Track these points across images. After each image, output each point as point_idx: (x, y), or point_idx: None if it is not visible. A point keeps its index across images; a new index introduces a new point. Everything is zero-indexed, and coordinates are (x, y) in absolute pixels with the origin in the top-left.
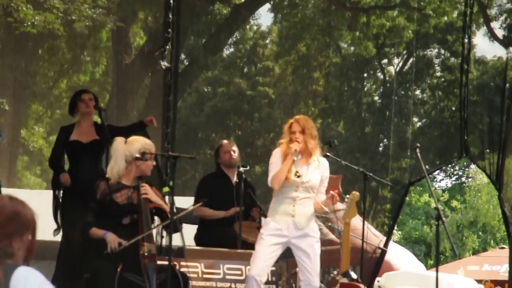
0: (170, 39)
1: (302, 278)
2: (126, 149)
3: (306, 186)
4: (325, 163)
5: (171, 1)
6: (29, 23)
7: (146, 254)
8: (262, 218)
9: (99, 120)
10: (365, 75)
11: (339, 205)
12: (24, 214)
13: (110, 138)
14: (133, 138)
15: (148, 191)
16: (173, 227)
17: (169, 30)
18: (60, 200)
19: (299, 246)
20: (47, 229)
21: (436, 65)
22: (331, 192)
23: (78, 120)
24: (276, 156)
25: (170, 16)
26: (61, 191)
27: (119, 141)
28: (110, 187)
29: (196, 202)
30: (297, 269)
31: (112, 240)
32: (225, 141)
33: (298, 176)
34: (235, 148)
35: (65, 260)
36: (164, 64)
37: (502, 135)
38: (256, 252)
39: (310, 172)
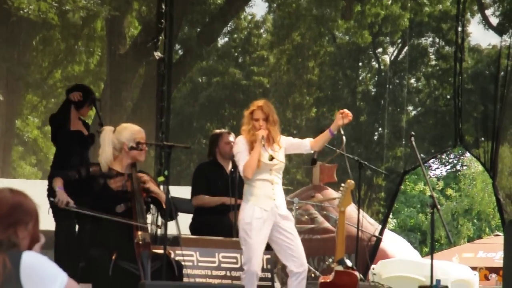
0: (163, 29)
1: (289, 260)
2: (115, 137)
3: (277, 168)
4: (283, 138)
5: None
6: (25, 10)
7: (140, 242)
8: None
9: (92, 112)
10: (360, 64)
11: (334, 194)
12: (26, 203)
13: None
14: (122, 126)
15: (147, 181)
16: (169, 215)
17: (162, 20)
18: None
19: (284, 228)
20: (44, 218)
21: (431, 54)
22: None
23: (72, 111)
24: (240, 144)
25: (163, 6)
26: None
27: (107, 130)
28: (104, 172)
29: (193, 191)
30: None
31: (62, 195)
32: (225, 131)
33: (272, 159)
34: (233, 139)
35: (64, 248)
36: (158, 54)
37: (495, 123)
38: (251, 245)
39: (277, 156)
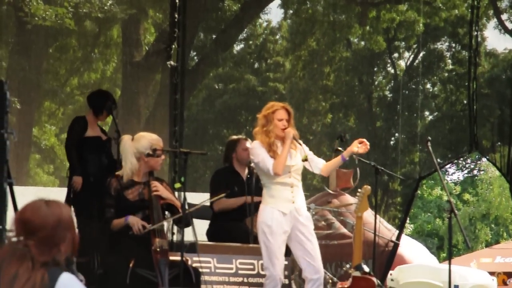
0: (176, 38)
1: (305, 266)
2: (134, 147)
3: (295, 169)
4: (302, 145)
5: (177, 0)
6: (40, 17)
7: (158, 249)
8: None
9: (109, 119)
10: (376, 69)
11: (351, 199)
12: (65, 216)
13: (120, 135)
14: (140, 134)
15: (159, 188)
16: (185, 221)
17: (175, 29)
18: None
19: (302, 232)
20: None
21: (447, 58)
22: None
23: (89, 115)
24: (259, 148)
25: (176, 15)
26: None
27: (126, 139)
28: (121, 184)
29: (214, 194)
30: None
31: (136, 222)
32: (243, 138)
33: (306, 160)
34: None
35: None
36: (171, 63)
37: None
38: (271, 249)
39: (295, 157)
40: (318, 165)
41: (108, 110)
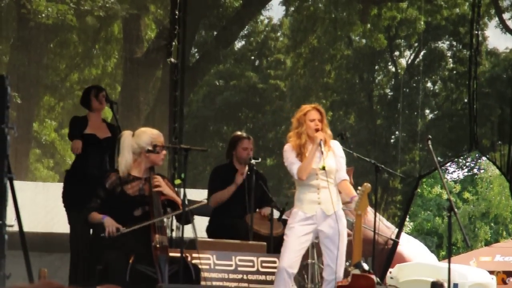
0: (176, 35)
1: (325, 266)
2: (134, 142)
3: (323, 172)
4: (336, 144)
5: None
6: (43, 15)
7: (158, 245)
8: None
9: (109, 115)
10: (377, 67)
11: None
12: None
13: (120, 132)
14: (141, 130)
15: (161, 183)
16: (185, 218)
17: (176, 26)
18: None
19: (328, 234)
20: (60, 221)
21: (448, 57)
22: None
23: (88, 114)
24: (289, 152)
25: (177, 12)
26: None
27: (126, 134)
28: (121, 178)
29: (209, 193)
30: (309, 260)
31: (111, 224)
32: (245, 136)
33: (324, 169)
34: (252, 146)
35: (78, 252)
36: (171, 60)
37: None
38: (286, 243)
39: (326, 159)
40: (339, 179)
41: (96, 97)
